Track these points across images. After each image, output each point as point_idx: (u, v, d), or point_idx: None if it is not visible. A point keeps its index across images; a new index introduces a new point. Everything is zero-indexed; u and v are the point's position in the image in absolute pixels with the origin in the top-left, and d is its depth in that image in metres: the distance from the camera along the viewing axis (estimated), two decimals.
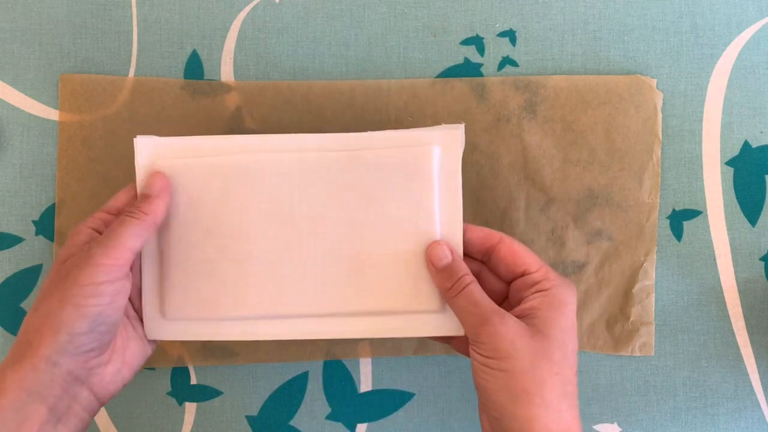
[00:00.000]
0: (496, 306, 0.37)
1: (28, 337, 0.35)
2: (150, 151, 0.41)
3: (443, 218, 0.40)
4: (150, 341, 0.41)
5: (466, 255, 0.40)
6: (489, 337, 0.36)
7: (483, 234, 0.40)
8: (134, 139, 0.41)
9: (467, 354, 0.39)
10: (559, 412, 0.35)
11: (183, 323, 0.41)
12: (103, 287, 0.35)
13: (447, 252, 0.39)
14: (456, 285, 0.38)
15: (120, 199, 0.40)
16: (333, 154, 0.41)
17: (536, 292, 0.38)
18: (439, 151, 0.40)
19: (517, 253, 0.39)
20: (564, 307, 0.37)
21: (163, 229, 0.41)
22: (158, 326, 0.41)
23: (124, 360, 0.38)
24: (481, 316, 0.36)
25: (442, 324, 0.41)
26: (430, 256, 0.39)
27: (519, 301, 0.38)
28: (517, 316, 0.37)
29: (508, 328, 0.36)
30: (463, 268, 0.38)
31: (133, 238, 0.37)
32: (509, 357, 0.35)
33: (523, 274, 0.39)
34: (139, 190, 0.41)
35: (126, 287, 0.37)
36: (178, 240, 0.41)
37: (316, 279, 0.41)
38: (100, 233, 0.38)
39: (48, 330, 0.34)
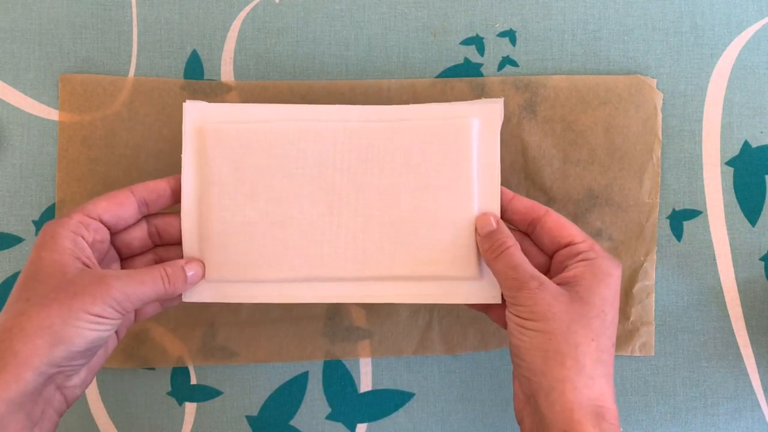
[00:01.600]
0: (535, 270, 0.38)
1: (15, 345, 0.34)
2: (197, 116, 0.42)
3: (481, 188, 0.42)
4: (113, 342, 0.41)
5: (511, 225, 0.41)
6: (526, 300, 0.36)
7: (529, 205, 0.41)
8: (183, 103, 0.42)
9: (504, 325, 0.40)
10: (592, 377, 0.35)
11: (221, 285, 0.42)
12: (108, 321, 0.36)
13: (492, 221, 0.40)
14: (496, 247, 0.39)
15: (102, 205, 0.39)
16: (375, 124, 0.42)
17: (580, 261, 0.38)
18: (478, 124, 0.42)
19: (564, 225, 0.40)
20: (608, 278, 0.37)
21: (204, 192, 0.41)
22: (197, 288, 0.42)
23: (90, 365, 0.38)
24: (519, 279, 0.37)
25: (479, 291, 0.42)
26: (477, 225, 0.41)
27: (562, 271, 0.39)
28: (560, 284, 0.38)
29: (546, 291, 0.36)
30: (506, 233, 0.40)
31: (152, 297, 0.38)
32: (546, 319, 0.36)
33: (567, 245, 0.39)
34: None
35: (126, 321, 0.39)
36: (219, 203, 0.41)
37: (355, 244, 0.42)
38: (83, 238, 0.37)
39: (44, 342, 0.34)
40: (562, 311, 0.36)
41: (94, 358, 0.38)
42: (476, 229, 0.41)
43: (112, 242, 0.40)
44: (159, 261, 0.42)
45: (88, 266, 0.37)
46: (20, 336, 0.34)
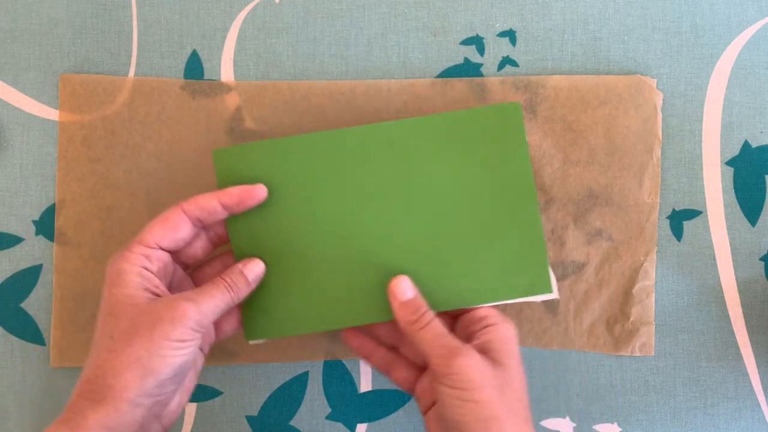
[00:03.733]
0: (459, 341, 0.39)
1: (108, 380, 0.35)
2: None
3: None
4: (201, 361, 0.42)
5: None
6: (461, 368, 0.37)
7: None
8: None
9: (412, 391, 0.42)
10: None
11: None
12: (190, 343, 0.37)
13: (410, 286, 0.41)
14: (421, 318, 0.39)
15: (157, 232, 0.39)
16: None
17: (486, 326, 0.40)
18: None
19: None
20: (511, 340, 0.40)
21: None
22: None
23: (184, 389, 0.40)
24: (449, 347, 0.38)
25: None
26: (392, 290, 0.41)
27: (467, 336, 0.40)
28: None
29: (476, 359, 0.38)
30: (424, 304, 0.40)
31: (221, 311, 0.39)
32: (481, 387, 0.37)
33: (470, 310, 0.42)
34: (224, 200, 0.40)
35: (207, 337, 0.41)
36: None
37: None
38: (148, 270, 0.38)
39: (134, 375, 0.35)
40: (491, 377, 0.38)
41: (186, 381, 0.40)
42: (391, 292, 0.41)
43: (178, 258, 0.41)
44: (226, 266, 0.43)
45: (158, 295, 0.38)
46: (111, 372, 0.35)
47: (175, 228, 0.39)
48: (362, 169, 0.42)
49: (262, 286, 0.42)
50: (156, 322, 0.36)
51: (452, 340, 0.39)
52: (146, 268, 0.38)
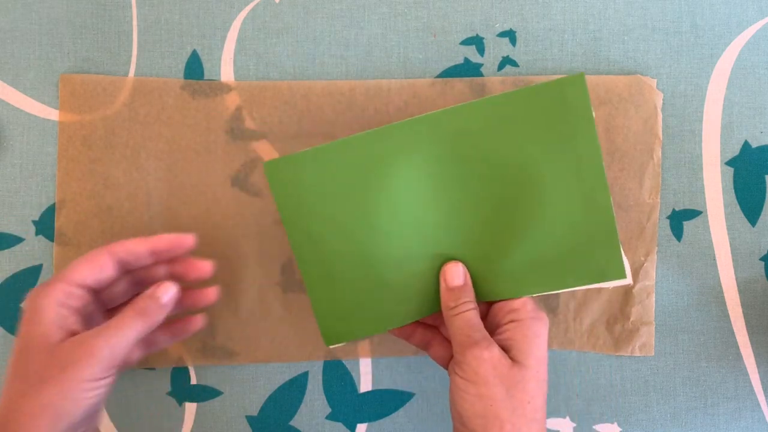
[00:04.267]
0: (487, 334, 0.39)
1: (20, 427, 0.35)
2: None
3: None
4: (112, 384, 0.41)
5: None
6: (473, 359, 0.38)
7: None
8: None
9: (442, 362, 0.42)
10: None
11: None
12: (103, 381, 0.36)
13: (462, 274, 0.41)
14: (460, 306, 0.40)
15: (80, 272, 0.38)
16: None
17: (511, 321, 0.40)
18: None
19: None
20: (538, 339, 0.39)
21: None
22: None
23: (92, 420, 0.39)
24: (472, 338, 0.39)
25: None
26: (444, 274, 0.41)
27: (496, 326, 0.41)
28: None
29: (492, 354, 0.38)
30: (470, 294, 0.41)
31: (135, 336, 0.37)
32: (486, 382, 0.38)
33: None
34: (153, 247, 0.40)
35: (119, 372, 0.38)
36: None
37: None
38: (67, 308, 0.37)
39: (47, 422, 0.35)
40: (503, 375, 0.38)
41: (95, 417, 0.39)
42: (443, 276, 0.41)
43: (98, 298, 0.40)
44: None
45: (75, 332, 0.37)
46: (23, 418, 0.35)
47: (99, 268, 0.39)
48: (415, 163, 0.41)
49: (332, 290, 0.42)
50: (67, 364, 0.35)
51: (477, 332, 0.39)
52: (65, 306, 0.37)
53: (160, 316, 0.39)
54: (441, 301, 0.41)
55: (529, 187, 0.40)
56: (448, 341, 0.43)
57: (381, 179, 0.41)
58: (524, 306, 0.40)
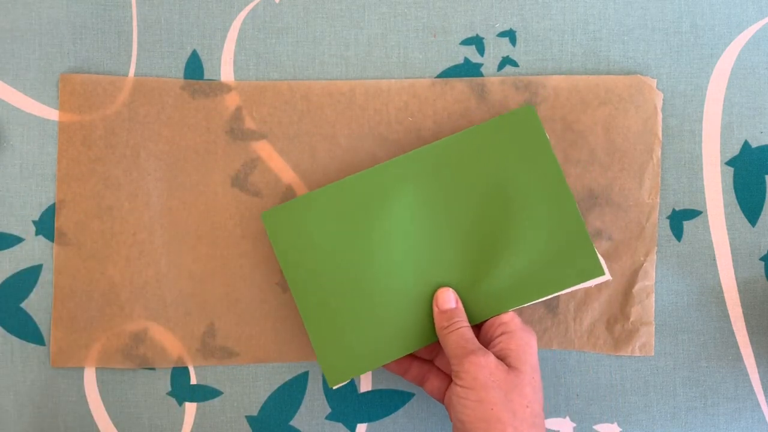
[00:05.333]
0: (481, 345, 0.41)
1: None
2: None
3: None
4: None
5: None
6: (471, 366, 0.39)
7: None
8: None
9: (439, 397, 0.44)
10: None
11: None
12: None
13: (452, 298, 0.43)
14: (453, 324, 0.42)
15: None
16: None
17: (502, 333, 0.42)
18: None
19: None
20: (530, 348, 0.41)
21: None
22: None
23: None
24: (467, 348, 0.40)
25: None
26: (437, 299, 0.44)
27: (489, 340, 0.42)
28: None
29: (489, 360, 0.40)
30: (462, 315, 0.43)
31: None
32: (486, 387, 0.39)
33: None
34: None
35: None
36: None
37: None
38: None
39: None
40: (501, 380, 0.39)
41: None
42: (435, 301, 0.44)
43: None
44: None
45: None
46: None
47: None
48: (403, 198, 0.44)
49: (332, 329, 0.44)
50: None
51: (472, 344, 0.41)
52: None
53: None
54: (435, 324, 0.43)
55: (504, 208, 0.44)
56: (443, 374, 0.45)
57: (373, 217, 0.44)
58: (513, 320, 0.42)
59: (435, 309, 0.44)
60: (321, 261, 0.44)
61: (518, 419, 0.38)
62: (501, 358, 0.40)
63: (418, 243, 0.44)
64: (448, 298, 0.43)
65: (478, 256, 0.44)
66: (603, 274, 0.44)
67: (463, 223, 0.44)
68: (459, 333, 0.42)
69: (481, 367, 0.39)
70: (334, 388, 0.44)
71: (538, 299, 0.44)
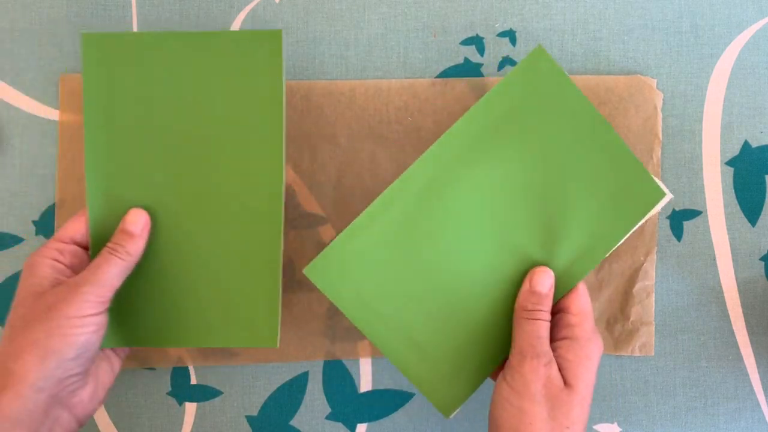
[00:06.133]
0: (551, 351, 0.39)
1: (9, 366, 0.35)
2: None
3: None
4: (116, 358, 0.42)
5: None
6: (530, 371, 0.37)
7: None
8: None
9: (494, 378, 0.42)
10: None
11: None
12: (90, 319, 0.37)
13: (548, 282, 0.40)
14: (536, 312, 0.39)
15: (72, 228, 0.41)
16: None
17: (565, 338, 0.39)
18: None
19: (571, 290, 0.41)
20: (589, 362, 0.38)
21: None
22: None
23: (98, 381, 0.40)
24: (535, 348, 0.38)
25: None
26: (532, 276, 0.40)
27: (551, 339, 0.40)
28: None
29: (549, 372, 0.37)
30: (549, 305, 0.40)
31: (117, 277, 0.39)
32: (533, 399, 0.37)
33: (560, 311, 0.41)
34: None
35: (107, 318, 0.39)
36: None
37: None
38: (60, 263, 0.39)
39: (34, 357, 0.35)
40: (552, 396, 0.37)
41: (100, 374, 0.40)
42: (530, 277, 0.40)
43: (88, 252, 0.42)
44: None
45: None
46: (12, 357, 0.36)
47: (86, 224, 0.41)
48: (457, 187, 0.41)
49: (424, 361, 0.42)
50: (52, 304, 0.37)
51: (543, 345, 0.38)
52: (58, 261, 0.39)
53: (137, 245, 0.40)
54: (517, 301, 0.40)
55: (555, 163, 0.41)
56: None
57: (424, 235, 0.41)
58: (581, 324, 0.39)
59: (526, 285, 0.40)
60: (386, 296, 0.41)
61: None
62: (558, 366, 0.38)
63: (486, 233, 0.41)
64: (544, 281, 0.40)
65: (549, 221, 0.41)
66: (664, 195, 0.41)
67: (523, 195, 0.41)
68: (537, 325, 0.39)
69: (538, 377, 0.37)
70: (450, 417, 0.43)
71: (613, 247, 0.41)
